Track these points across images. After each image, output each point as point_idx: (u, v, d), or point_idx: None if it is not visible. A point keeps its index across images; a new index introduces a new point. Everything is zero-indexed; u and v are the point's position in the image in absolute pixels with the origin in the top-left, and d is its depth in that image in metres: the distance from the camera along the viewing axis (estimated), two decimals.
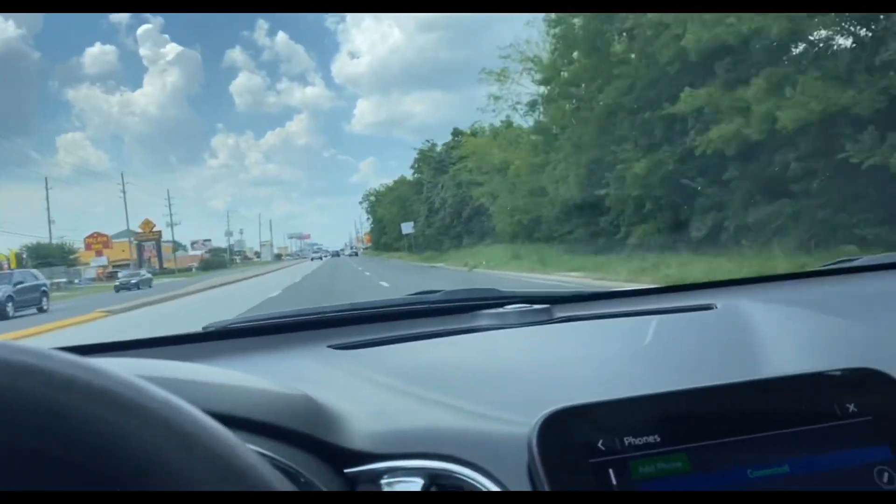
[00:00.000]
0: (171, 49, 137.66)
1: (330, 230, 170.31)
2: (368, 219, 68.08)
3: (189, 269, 57.85)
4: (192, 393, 0.42)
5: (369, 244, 73.87)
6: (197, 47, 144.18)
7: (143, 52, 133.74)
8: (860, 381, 0.59)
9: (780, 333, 0.86)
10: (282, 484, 0.38)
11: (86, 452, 0.34)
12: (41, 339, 9.77)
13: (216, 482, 0.35)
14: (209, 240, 76.92)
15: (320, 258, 74.13)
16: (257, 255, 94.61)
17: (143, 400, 0.35)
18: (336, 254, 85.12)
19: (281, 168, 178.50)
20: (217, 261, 65.56)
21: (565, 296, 1.17)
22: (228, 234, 78.98)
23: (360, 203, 62.22)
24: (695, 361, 0.83)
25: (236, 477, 0.36)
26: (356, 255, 74.80)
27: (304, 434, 0.57)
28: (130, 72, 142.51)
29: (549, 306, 1.07)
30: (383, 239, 59.93)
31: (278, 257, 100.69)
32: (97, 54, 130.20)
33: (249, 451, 0.38)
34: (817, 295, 1.14)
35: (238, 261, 77.82)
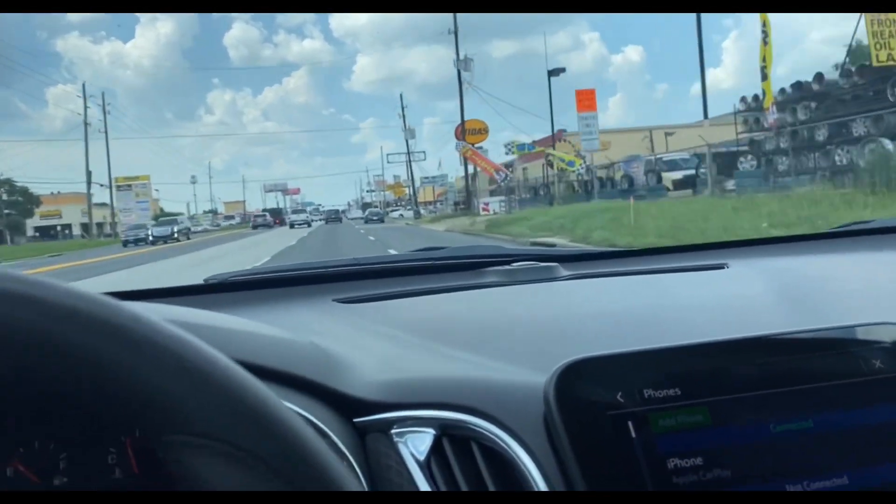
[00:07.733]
0: None
1: (331, 191, 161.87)
2: None
3: None
4: (199, 336, 0.39)
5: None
6: None
7: None
8: (887, 337, 0.58)
9: (794, 292, 0.85)
10: (297, 422, 0.35)
11: (91, 388, 0.33)
12: None
13: (228, 421, 0.33)
14: None
15: (306, 223, 46.77)
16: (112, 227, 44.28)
17: (152, 334, 0.34)
18: (334, 216, 54.45)
19: (280, 126, 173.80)
20: None
21: (573, 254, 1.16)
22: None
23: None
24: (706, 320, 0.82)
25: (249, 415, 0.34)
26: (380, 220, 44.06)
27: (312, 381, 0.55)
28: (120, 19, 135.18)
29: (558, 264, 1.06)
30: None
31: (167, 223, 33.84)
32: None
33: (265, 388, 0.35)
34: (832, 255, 1.13)
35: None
